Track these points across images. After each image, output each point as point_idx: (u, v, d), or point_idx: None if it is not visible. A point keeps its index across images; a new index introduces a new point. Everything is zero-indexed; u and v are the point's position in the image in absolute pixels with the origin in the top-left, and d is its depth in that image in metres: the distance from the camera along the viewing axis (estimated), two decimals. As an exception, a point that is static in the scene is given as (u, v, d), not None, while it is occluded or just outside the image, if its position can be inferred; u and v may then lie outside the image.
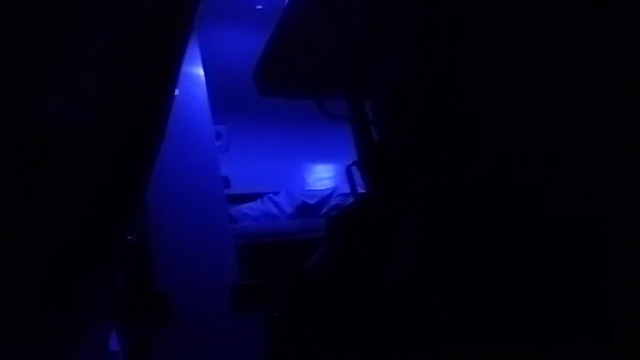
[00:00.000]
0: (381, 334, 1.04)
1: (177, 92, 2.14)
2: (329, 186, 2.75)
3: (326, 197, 2.57)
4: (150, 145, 0.89)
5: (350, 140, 1.47)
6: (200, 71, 2.31)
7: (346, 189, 2.39)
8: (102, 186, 0.82)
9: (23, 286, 0.91)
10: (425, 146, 1.14)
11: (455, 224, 0.97)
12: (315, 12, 1.19)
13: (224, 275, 1.92)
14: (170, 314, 1.77)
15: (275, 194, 2.64)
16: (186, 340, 1.77)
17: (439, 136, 1.04)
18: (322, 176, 3.03)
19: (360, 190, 1.54)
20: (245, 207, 2.53)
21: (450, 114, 1.01)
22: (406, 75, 1.20)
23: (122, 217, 0.92)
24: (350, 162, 1.49)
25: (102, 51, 0.74)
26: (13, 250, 0.84)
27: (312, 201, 2.55)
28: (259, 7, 2.43)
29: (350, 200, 1.82)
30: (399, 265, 1.09)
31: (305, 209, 2.52)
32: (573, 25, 0.79)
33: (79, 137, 0.73)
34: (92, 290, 1.02)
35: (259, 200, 2.61)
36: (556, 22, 0.81)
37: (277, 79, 1.47)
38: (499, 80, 0.91)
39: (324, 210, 2.51)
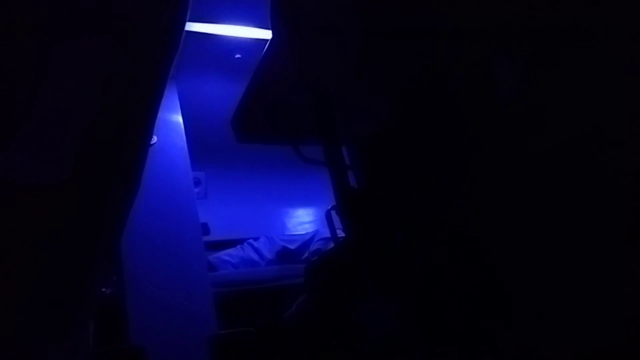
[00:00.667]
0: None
1: (155, 139, 2.14)
2: (309, 230, 2.74)
3: (307, 242, 2.55)
4: (125, 196, 0.88)
5: (329, 185, 1.47)
6: (179, 118, 2.32)
7: (327, 233, 2.38)
8: (72, 239, 0.80)
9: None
10: (401, 192, 1.14)
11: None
12: (292, 60, 1.22)
13: (202, 325, 1.86)
14: (146, 368, 1.70)
15: (256, 239, 2.61)
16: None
17: (414, 182, 1.05)
18: (302, 220, 3.02)
19: (341, 234, 1.53)
20: (225, 254, 2.49)
21: (427, 160, 1.02)
22: (384, 121, 1.22)
23: (95, 269, 0.89)
24: (329, 207, 1.49)
25: (76, 97, 0.74)
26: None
27: (292, 246, 2.53)
28: (238, 56, 2.47)
29: (331, 244, 1.81)
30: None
31: (286, 254, 2.50)
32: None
33: (49, 189, 0.72)
34: (64, 344, 0.97)
35: (238, 246, 2.58)
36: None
37: (254, 126, 1.48)
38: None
39: (305, 255, 2.48)
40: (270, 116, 1.43)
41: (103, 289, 1.17)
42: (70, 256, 0.80)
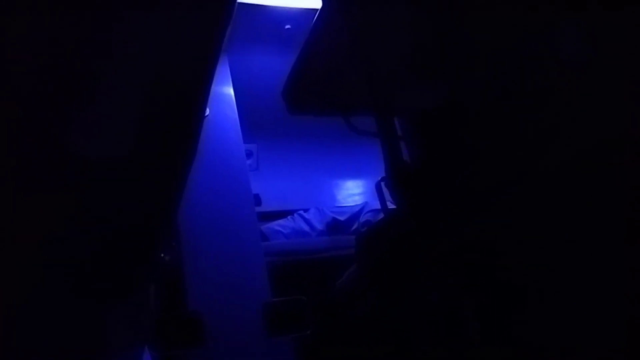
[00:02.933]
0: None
1: (208, 112, 2.18)
2: (358, 202, 2.74)
3: (356, 214, 2.55)
4: (182, 167, 0.91)
5: (379, 156, 1.46)
6: (230, 91, 2.35)
7: (376, 204, 2.37)
8: (135, 208, 0.83)
9: (58, 304, 0.93)
10: (453, 167, 1.12)
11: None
12: (341, 30, 1.20)
13: (256, 292, 1.92)
14: (203, 335, 1.78)
15: (306, 211, 2.63)
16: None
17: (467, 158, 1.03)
18: (352, 192, 3.02)
19: (390, 206, 1.53)
20: (277, 224, 2.54)
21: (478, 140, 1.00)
22: (440, 96, 1.19)
23: (156, 237, 0.93)
24: (379, 179, 1.48)
25: (135, 72, 0.76)
26: (50, 271, 0.86)
27: (342, 218, 2.54)
28: (288, 27, 2.46)
29: (380, 216, 1.80)
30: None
31: (335, 226, 2.51)
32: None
33: (112, 163, 0.75)
34: (127, 308, 1.03)
35: (289, 217, 2.61)
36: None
37: (305, 97, 1.48)
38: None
39: (355, 226, 2.49)
40: (321, 87, 1.42)
41: (162, 254, 1.23)
42: (135, 222, 0.84)
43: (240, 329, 1.84)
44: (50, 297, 0.96)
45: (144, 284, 1.04)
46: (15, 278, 0.87)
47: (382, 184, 1.45)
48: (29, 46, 0.63)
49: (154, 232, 0.90)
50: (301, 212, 2.62)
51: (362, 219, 2.49)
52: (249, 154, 2.49)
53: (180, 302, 1.79)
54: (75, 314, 0.96)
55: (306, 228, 2.52)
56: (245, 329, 1.86)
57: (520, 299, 1.00)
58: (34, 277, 0.89)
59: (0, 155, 0.71)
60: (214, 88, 2.22)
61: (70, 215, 0.83)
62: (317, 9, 1.21)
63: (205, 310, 1.81)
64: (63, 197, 0.80)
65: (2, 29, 0.60)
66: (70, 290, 0.92)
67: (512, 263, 1.00)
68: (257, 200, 2.28)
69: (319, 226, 2.52)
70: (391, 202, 1.51)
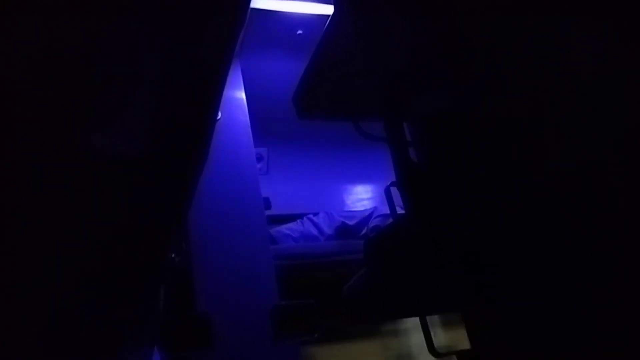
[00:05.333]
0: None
1: (220, 115, 2.21)
2: (368, 207, 2.74)
3: (365, 218, 2.55)
4: (193, 169, 0.92)
5: (388, 161, 1.47)
6: (242, 95, 2.37)
7: (385, 210, 2.38)
8: (146, 208, 0.85)
9: (69, 302, 0.95)
10: (463, 171, 1.13)
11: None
12: (353, 37, 1.21)
13: (264, 295, 1.93)
14: (212, 336, 1.79)
15: (315, 215, 2.64)
16: (227, 361, 1.78)
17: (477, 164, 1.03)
18: (361, 197, 3.03)
19: (400, 211, 1.53)
20: (285, 228, 2.55)
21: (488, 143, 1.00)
22: (450, 100, 1.20)
23: (166, 238, 0.95)
24: (389, 183, 1.49)
25: (148, 78, 0.78)
26: (61, 270, 0.88)
27: (351, 222, 2.55)
28: (299, 32, 2.48)
29: (390, 221, 1.81)
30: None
31: (344, 230, 2.52)
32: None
33: (124, 163, 0.77)
34: (136, 308, 1.05)
35: (298, 221, 2.62)
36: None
37: (315, 102, 1.49)
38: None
39: (364, 231, 2.49)
40: (331, 92, 1.43)
41: (173, 255, 1.24)
42: (146, 222, 0.86)
43: (247, 332, 1.85)
44: (60, 297, 0.98)
45: (153, 285, 1.06)
46: (27, 278, 0.89)
47: (392, 188, 1.46)
48: (43, 44, 0.65)
49: (165, 232, 0.92)
50: (310, 216, 2.63)
51: (371, 223, 2.50)
52: (259, 158, 2.51)
53: (188, 304, 1.81)
54: (85, 314, 0.98)
55: (315, 232, 2.53)
56: (252, 331, 1.87)
57: (523, 300, 1.00)
58: (45, 276, 0.90)
59: (13, 154, 0.73)
60: (226, 92, 2.24)
61: (81, 215, 0.85)
62: (328, 15, 1.23)
63: (213, 311, 1.82)
64: (74, 195, 0.81)
65: (11, 29, 0.62)
66: (80, 289, 0.93)
67: (517, 264, 1.00)
68: (267, 203, 2.29)
69: (328, 230, 2.53)
70: (400, 208, 1.51)
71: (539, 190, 0.90)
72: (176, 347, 1.71)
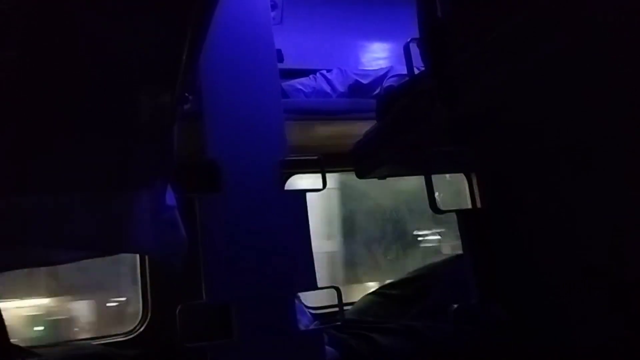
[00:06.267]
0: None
1: (233, -46, 2.04)
2: (383, 66, 2.66)
3: (380, 78, 2.49)
4: (204, 6, 0.87)
5: (409, 18, 1.38)
6: None
7: (402, 69, 2.31)
8: (162, 44, 0.83)
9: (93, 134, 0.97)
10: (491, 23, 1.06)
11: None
12: None
13: (274, 147, 1.96)
14: (220, 182, 1.85)
15: (328, 71, 2.58)
16: (233, 208, 1.86)
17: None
18: (377, 56, 2.92)
19: (417, 70, 1.48)
20: (297, 83, 2.50)
21: None
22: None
23: (179, 74, 0.93)
24: (409, 39, 1.42)
25: None
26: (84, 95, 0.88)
27: (365, 81, 2.49)
28: None
29: (406, 79, 1.76)
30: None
31: (358, 88, 2.47)
32: None
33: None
34: (151, 144, 1.07)
35: (311, 76, 2.57)
36: None
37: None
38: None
39: (377, 91, 2.45)
40: None
41: (187, 95, 1.23)
42: (159, 55, 0.84)
43: (256, 180, 1.91)
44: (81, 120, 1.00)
45: (168, 121, 1.06)
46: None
47: (412, 45, 1.40)
48: None
49: (177, 67, 0.90)
50: (323, 72, 2.57)
51: (386, 83, 2.45)
52: (273, 5, 2.36)
53: (200, 148, 1.85)
54: (103, 144, 1.00)
55: (327, 89, 2.49)
56: (261, 180, 1.93)
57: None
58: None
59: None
60: None
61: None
62: None
63: (222, 158, 1.86)
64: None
65: None
66: (99, 119, 0.95)
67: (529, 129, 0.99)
68: (279, 55, 2.22)
69: (341, 88, 2.49)
70: (417, 68, 1.46)
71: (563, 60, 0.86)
72: (187, 189, 1.78)
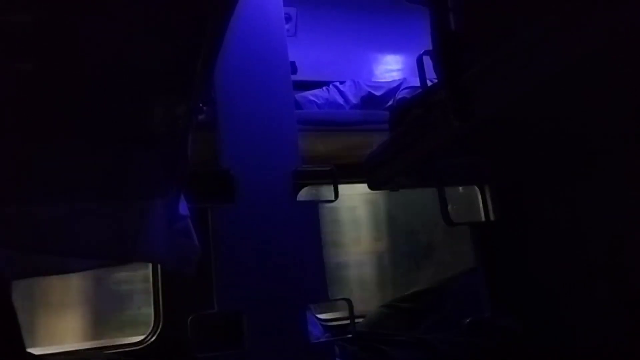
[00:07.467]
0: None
1: (248, -33, 2.07)
2: (397, 78, 2.67)
3: (393, 90, 2.50)
4: (220, 17, 0.88)
5: (423, 30, 1.39)
6: (271, -53, 2.20)
7: (415, 82, 2.31)
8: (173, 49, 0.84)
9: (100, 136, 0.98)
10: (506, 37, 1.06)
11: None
12: None
13: (287, 157, 1.97)
14: (233, 192, 1.86)
15: (341, 83, 2.59)
16: (246, 218, 1.86)
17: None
18: (391, 67, 2.93)
19: (430, 82, 1.48)
20: (310, 94, 2.52)
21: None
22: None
23: (193, 84, 0.94)
24: (422, 51, 1.42)
25: None
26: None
27: (378, 92, 2.50)
28: None
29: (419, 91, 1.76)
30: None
31: (370, 100, 2.48)
32: None
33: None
34: (164, 152, 1.08)
35: (324, 88, 2.58)
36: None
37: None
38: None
39: (390, 102, 2.46)
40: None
41: (202, 105, 1.24)
42: (172, 64, 0.85)
43: (269, 191, 1.92)
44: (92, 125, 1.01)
45: (182, 131, 1.08)
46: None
47: (425, 58, 1.40)
48: None
49: (192, 78, 0.91)
50: (337, 83, 2.59)
51: (399, 95, 2.45)
52: (287, 18, 2.39)
53: (213, 159, 1.86)
54: (119, 153, 1.01)
55: (340, 100, 2.50)
56: (274, 191, 1.93)
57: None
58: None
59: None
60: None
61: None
62: None
63: (236, 169, 1.88)
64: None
65: None
66: (111, 126, 0.96)
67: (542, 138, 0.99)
68: (293, 67, 2.24)
69: (354, 99, 2.50)
70: (430, 80, 1.46)
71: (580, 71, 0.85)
72: (200, 198, 1.79)
